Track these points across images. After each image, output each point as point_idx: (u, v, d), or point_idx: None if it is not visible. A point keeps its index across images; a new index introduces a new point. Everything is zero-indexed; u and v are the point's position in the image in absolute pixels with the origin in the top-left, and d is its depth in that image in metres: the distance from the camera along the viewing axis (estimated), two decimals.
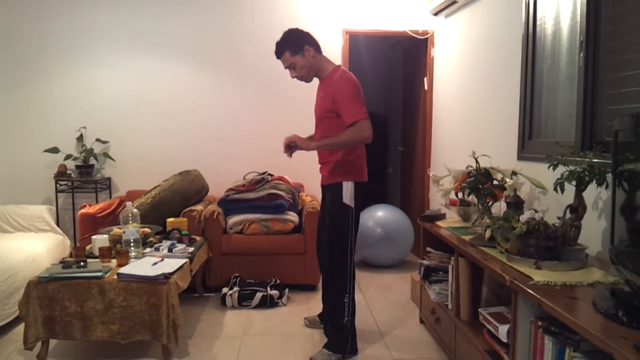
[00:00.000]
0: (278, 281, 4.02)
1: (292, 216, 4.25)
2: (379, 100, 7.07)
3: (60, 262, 3.05)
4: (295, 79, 3.09)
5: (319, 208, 3.53)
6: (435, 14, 4.63)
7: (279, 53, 3.03)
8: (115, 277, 2.88)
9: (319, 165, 3.14)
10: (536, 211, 2.37)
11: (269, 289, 3.89)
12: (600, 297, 1.74)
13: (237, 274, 4.04)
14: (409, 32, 4.90)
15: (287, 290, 3.96)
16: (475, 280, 2.70)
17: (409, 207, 5.52)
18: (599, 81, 2.48)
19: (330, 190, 3.04)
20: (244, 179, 4.39)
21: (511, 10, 3.25)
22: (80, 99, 4.88)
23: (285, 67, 3.06)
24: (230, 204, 4.24)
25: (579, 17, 2.58)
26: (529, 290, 1.87)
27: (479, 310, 2.51)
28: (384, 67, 7.01)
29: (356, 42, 5.90)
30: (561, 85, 2.78)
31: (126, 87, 4.91)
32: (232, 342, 3.22)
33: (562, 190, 2.23)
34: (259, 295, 3.83)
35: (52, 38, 4.82)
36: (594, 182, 2.18)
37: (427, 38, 4.90)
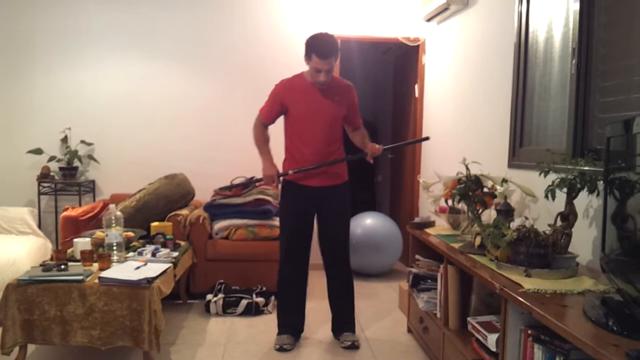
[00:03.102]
0: (264, 288, 3.95)
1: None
2: (369, 107, 7.04)
3: (41, 265, 2.97)
4: (318, 83, 3.07)
5: None
6: (428, 20, 4.63)
7: (332, 55, 2.99)
8: (97, 281, 2.80)
9: (322, 169, 3.14)
10: (527, 218, 2.34)
11: (254, 296, 3.82)
12: (590, 305, 1.71)
13: (222, 281, 3.98)
14: (401, 39, 4.89)
15: (273, 297, 3.89)
16: (465, 288, 2.66)
17: (398, 215, 5.48)
18: (591, 89, 2.46)
19: (338, 189, 3.22)
20: (231, 183, 4.32)
21: (504, 18, 3.24)
22: (65, 100, 4.81)
23: (324, 70, 3.00)
24: (216, 209, 4.18)
25: (571, 24, 2.57)
26: (519, 298, 1.84)
27: (468, 319, 2.47)
28: (374, 74, 6.99)
29: (347, 49, 5.88)
30: (553, 92, 2.77)
31: (112, 88, 4.84)
32: (215, 350, 3.15)
33: (553, 198, 2.20)
34: (244, 302, 3.76)
35: (37, 37, 4.75)
36: (585, 189, 2.16)
37: (418, 45, 4.89)
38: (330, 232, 3.25)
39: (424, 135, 4.82)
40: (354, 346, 3.20)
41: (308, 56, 3.01)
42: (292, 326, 3.28)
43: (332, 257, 3.28)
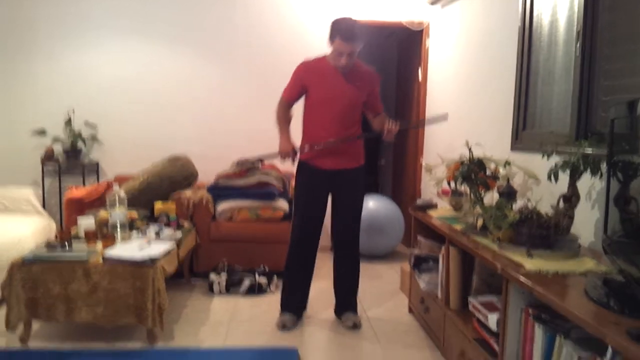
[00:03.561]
0: (267, 268, 3.98)
1: (282, 204, 4.21)
2: None
3: (45, 245, 2.99)
4: (339, 67, 3.04)
5: None
6: (432, 3, 4.59)
7: (356, 39, 2.96)
8: (101, 260, 2.83)
9: (337, 150, 3.13)
10: (529, 200, 2.35)
11: (257, 276, 3.85)
12: (592, 285, 1.72)
13: (225, 261, 4.00)
14: (404, 23, 4.85)
15: (275, 277, 3.92)
16: (466, 269, 2.68)
17: (401, 199, 5.49)
18: (595, 72, 2.45)
19: (354, 173, 3.22)
20: (237, 164, 4.32)
21: (508, 1, 3.22)
22: (69, 82, 4.80)
23: (346, 53, 2.97)
24: (220, 191, 4.19)
25: (576, 7, 2.55)
26: (521, 278, 1.85)
27: (469, 299, 2.50)
28: (378, 58, 6.94)
29: None
30: (557, 76, 2.76)
31: (116, 70, 4.83)
32: (218, 328, 3.18)
33: (556, 179, 2.20)
34: (247, 282, 3.79)
35: (40, 20, 4.73)
36: (588, 171, 2.16)
37: (422, 29, 4.86)
38: (343, 215, 3.26)
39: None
40: (356, 326, 3.23)
41: (332, 38, 2.99)
42: (295, 306, 3.31)
43: (342, 239, 3.30)
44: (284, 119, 3.23)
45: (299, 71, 3.18)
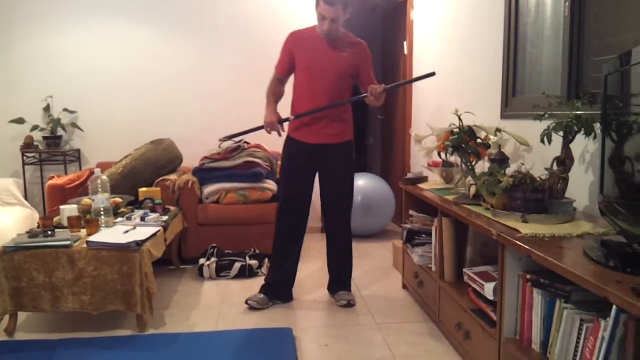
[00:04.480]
0: (257, 251, 3.92)
1: (270, 184, 4.13)
2: None
3: (27, 232, 2.90)
4: (322, 32, 2.96)
5: None
6: None
7: (339, 3, 2.87)
8: (85, 245, 2.74)
9: (321, 124, 3.06)
10: (523, 164, 2.30)
11: (247, 258, 3.79)
12: (590, 247, 1.67)
13: (214, 245, 3.93)
14: None
15: (266, 259, 3.85)
16: (460, 240, 2.63)
17: (390, 177, 5.44)
18: (585, 31, 2.39)
19: (342, 148, 3.14)
20: (219, 147, 4.24)
21: None
22: (46, 67, 4.67)
23: (327, 18, 2.88)
24: (205, 173, 4.10)
25: None
26: (517, 242, 1.80)
27: (464, 270, 2.45)
28: (361, 34, 6.85)
29: None
30: (546, 38, 2.70)
31: (94, 54, 4.70)
32: (210, 312, 3.12)
33: (549, 141, 2.15)
34: (237, 265, 3.72)
35: (15, 4, 4.57)
36: (582, 132, 2.11)
37: (405, 1, 4.77)
38: (332, 191, 3.19)
39: (415, 94, 4.75)
40: (350, 304, 3.18)
41: (316, 3, 2.92)
42: (273, 289, 3.23)
43: (333, 217, 3.23)
44: (272, 92, 3.14)
45: (287, 41, 3.10)
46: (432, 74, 3.05)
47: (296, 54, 3.05)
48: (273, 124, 3.03)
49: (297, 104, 3.10)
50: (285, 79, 3.17)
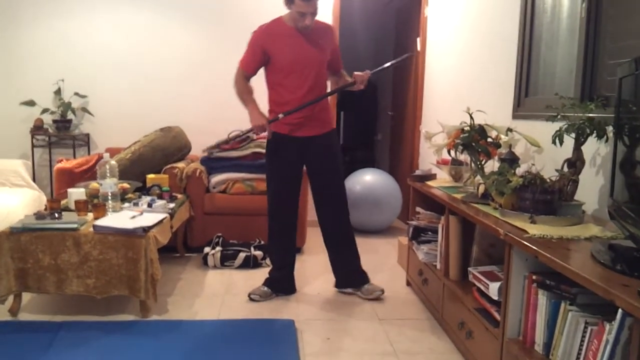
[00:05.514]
0: (262, 242, 3.92)
1: None
2: (368, 62, 6.89)
3: (34, 214, 2.91)
4: (303, 28, 2.94)
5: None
6: None
7: None
8: (91, 229, 2.75)
9: (309, 116, 3.04)
10: (533, 164, 2.28)
11: (252, 249, 3.79)
12: (598, 250, 1.66)
13: (219, 234, 3.94)
14: None
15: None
16: (466, 239, 2.62)
17: (398, 173, 5.42)
18: (600, 33, 2.36)
19: (329, 137, 3.15)
20: (228, 136, 4.23)
21: None
22: (59, 51, 4.67)
23: (309, 13, 2.87)
24: (213, 162, 4.10)
25: None
26: (525, 242, 1.79)
27: (469, 269, 2.44)
28: (375, 28, 6.82)
29: (348, 1, 5.71)
30: (561, 39, 2.67)
31: (107, 39, 4.70)
32: (213, 301, 3.13)
33: (561, 143, 2.13)
34: (242, 255, 3.73)
35: None
36: (594, 135, 2.09)
37: None
38: (323, 182, 3.17)
39: (427, 92, 4.72)
40: (383, 293, 3.21)
41: (289, 0, 2.87)
42: (277, 283, 3.23)
43: (328, 209, 3.20)
44: (245, 90, 3.10)
45: (257, 38, 3.02)
46: (411, 55, 3.08)
47: (272, 52, 2.98)
48: (263, 126, 3.02)
49: (280, 99, 3.04)
50: (252, 76, 3.12)
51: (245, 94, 3.10)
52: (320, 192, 3.20)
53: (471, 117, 2.75)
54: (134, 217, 2.94)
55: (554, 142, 2.16)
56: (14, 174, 4.21)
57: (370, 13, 6.59)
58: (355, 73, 3.00)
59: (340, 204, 3.20)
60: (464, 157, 2.99)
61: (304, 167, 3.20)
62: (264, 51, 3.00)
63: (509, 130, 2.67)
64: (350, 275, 3.28)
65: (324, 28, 3.09)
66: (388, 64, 3.24)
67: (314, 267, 3.75)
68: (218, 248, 3.76)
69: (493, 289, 2.15)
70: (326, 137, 3.13)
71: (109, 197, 3.09)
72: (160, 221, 2.96)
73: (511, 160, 2.44)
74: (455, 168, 3.09)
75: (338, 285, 3.32)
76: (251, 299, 3.14)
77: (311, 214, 3.28)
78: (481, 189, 2.47)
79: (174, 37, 4.76)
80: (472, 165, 2.77)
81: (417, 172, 3.37)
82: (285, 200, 3.16)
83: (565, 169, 2.18)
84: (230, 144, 4.07)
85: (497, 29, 3.31)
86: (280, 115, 2.99)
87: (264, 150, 4.04)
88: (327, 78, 3.15)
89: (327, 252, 3.30)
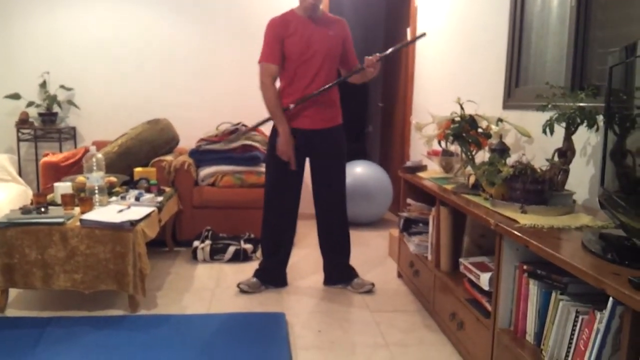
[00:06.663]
0: (252, 235, 3.89)
1: None
2: (358, 53, 6.83)
3: (20, 209, 2.87)
4: (308, 9, 2.94)
5: None
6: None
7: None
8: (78, 223, 2.71)
9: (316, 108, 3.01)
10: (524, 154, 2.27)
11: (242, 242, 3.76)
12: (588, 239, 1.66)
13: (209, 228, 3.90)
14: None
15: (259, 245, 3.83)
16: (457, 230, 2.61)
17: (389, 165, 5.41)
18: (591, 22, 2.35)
19: (335, 132, 3.10)
20: (217, 129, 4.20)
21: None
22: (44, 43, 4.61)
23: None
24: (202, 155, 4.06)
25: None
26: (515, 232, 1.78)
27: (460, 260, 2.43)
28: (365, 18, 6.76)
29: None
30: (551, 28, 2.66)
31: (93, 31, 4.64)
32: (203, 295, 3.10)
33: (552, 132, 2.12)
34: (232, 248, 3.70)
35: None
36: (585, 125, 2.08)
37: None
38: (324, 178, 3.13)
39: (417, 82, 4.71)
40: (373, 286, 3.19)
41: None
42: (266, 273, 3.21)
43: (327, 206, 3.17)
44: (278, 103, 2.96)
45: (273, 27, 2.97)
46: (423, 34, 3.18)
47: (287, 40, 2.94)
48: (289, 155, 2.96)
49: (294, 90, 2.99)
50: (277, 70, 2.99)
51: (278, 108, 2.95)
52: (320, 188, 3.16)
53: (462, 108, 2.73)
54: (121, 211, 2.90)
55: (544, 131, 2.15)
56: None
57: (359, 3, 6.54)
58: (366, 57, 2.97)
59: (339, 204, 3.18)
60: (454, 147, 2.98)
61: (307, 163, 3.16)
62: (281, 40, 2.95)
63: (500, 120, 2.67)
64: (339, 272, 3.26)
65: (335, 19, 3.08)
66: (399, 45, 3.22)
67: (305, 260, 3.73)
68: (207, 242, 3.73)
69: (484, 280, 2.14)
70: (332, 131, 3.08)
71: (96, 191, 3.05)
72: (148, 215, 2.92)
73: (502, 150, 2.43)
74: (445, 159, 3.08)
75: (327, 282, 3.30)
76: (240, 289, 3.12)
77: (304, 206, 3.24)
78: (472, 179, 2.46)
79: (160, 29, 4.71)
80: (463, 155, 2.76)
81: (408, 164, 3.35)
82: (283, 192, 3.11)
83: (556, 159, 2.17)
84: (218, 136, 4.04)
85: (487, 18, 3.29)
86: (291, 106, 2.96)
87: (253, 143, 4.04)
88: (335, 66, 3.09)
89: (319, 247, 3.27)
